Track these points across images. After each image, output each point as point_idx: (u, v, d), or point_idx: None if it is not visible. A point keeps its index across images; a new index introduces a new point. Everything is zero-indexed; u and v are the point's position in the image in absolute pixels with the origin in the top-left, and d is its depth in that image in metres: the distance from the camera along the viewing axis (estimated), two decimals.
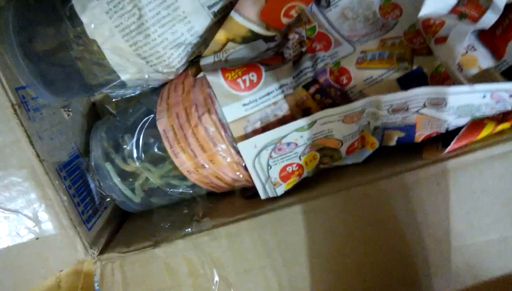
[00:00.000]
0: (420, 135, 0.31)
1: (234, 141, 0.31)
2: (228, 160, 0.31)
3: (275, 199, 0.33)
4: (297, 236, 0.30)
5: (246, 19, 0.29)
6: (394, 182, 0.29)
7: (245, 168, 0.32)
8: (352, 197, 0.30)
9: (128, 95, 0.35)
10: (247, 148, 0.31)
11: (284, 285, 0.31)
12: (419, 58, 0.32)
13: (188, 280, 0.32)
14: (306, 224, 0.30)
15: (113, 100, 0.35)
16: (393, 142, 0.32)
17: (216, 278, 0.31)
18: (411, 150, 0.32)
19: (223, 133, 0.31)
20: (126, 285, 0.32)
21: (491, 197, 0.28)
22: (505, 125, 0.30)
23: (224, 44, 0.31)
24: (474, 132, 0.30)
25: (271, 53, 0.34)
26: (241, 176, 0.32)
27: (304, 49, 0.34)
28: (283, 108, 0.31)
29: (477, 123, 0.30)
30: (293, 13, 0.31)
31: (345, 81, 0.32)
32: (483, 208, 0.28)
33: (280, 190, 0.33)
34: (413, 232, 0.29)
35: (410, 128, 0.30)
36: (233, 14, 0.29)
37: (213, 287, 0.31)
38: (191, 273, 0.32)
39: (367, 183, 0.30)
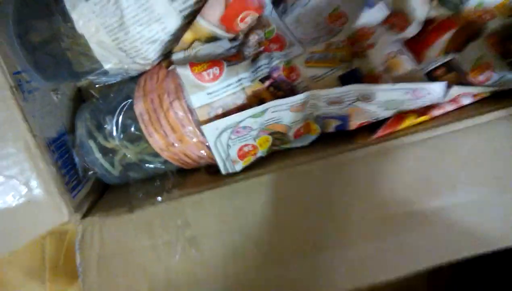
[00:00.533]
0: (354, 123, 0.37)
1: (199, 124, 0.37)
2: (194, 139, 0.38)
3: (234, 174, 0.39)
4: (250, 205, 0.37)
5: (209, 23, 0.36)
6: (330, 161, 0.36)
7: (209, 147, 0.38)
8: (296, 173, 0.36)
9: (110, 82, 0.41)
10: (210, 130, 0.37)
11: (237, 246, 0.37)
12: (358, 60, 0.38)
13: (157, 241, 0.38)
14: (258, 195, 0.37)
15: (97, 86, 0.41)
16: (332, 129, 0.38)
17: (181, 241, 0.38)
18: (348, 136, 0.38)
19: (190, 117, 0.37)
20: (103, 244, 0.39)
21: (409, 175, 0.35)
22: (425, 118, 0.37)
23: (191, 43, 0.37)
24: (398, 123, 0.37)
25: (233, 51, 0.40)
26: (205, 154, 0.39)
27: (262, 48, 0.40)
28: (241, 98, 0.38)
29: (401, 115, 0.37)
30: (248, 19, 0.37)
31: (294, 77, 0.39)
32: (402, 184, 0.35)
33: (239, 167, 0.39)
34: (343, 202, 0.36)
35: (345, 118, 0.37)
36: (198, 18, 0.35)
37: (178, 248, 0.38)
38: (160, 236, 0.38)
39: (309, 162, 0.36)
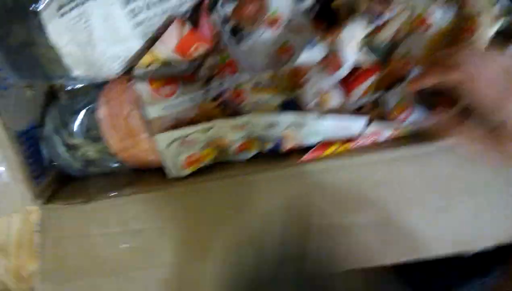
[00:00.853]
0: (286, 146, 0.44)
1: (153, 133, 0.43)
2: (147, 146, 0.44)
3: (182, 178, 0.45)
4: (186, 208, 0.43)
5: (165, 51, 0.41)
6: (260, 176, 0.42)
7: (159, 153, 0.44)
8: (231, 183, 0.43)
9: (79, 86, 0.46)
10: (162, 139, 0.43)
11: (177, 242, 0.44)
12: (296, 91, 0.45)
13: (107, 230, 0.44)
14: (193, 200, 0.43)
15: (67, 88, 0.46)
16: (267, 150, 0.45)
17: (128, 232, 0.44)
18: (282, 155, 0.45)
19: (144, 126, 0.43)
20: (60, 229, 0.45)
21: (327, 191, 0.42)
22: (346, 147, 0.43)
23: (150, 64, 0.43)
24: (323, 149, 0.43)
25: (190, 71, 0.46)
26: (155, 159, 0.45)
27: (215, 71, 0.46)
28: (192, 113, 0.44)
29: (326, 143, 0.44)
30: (200, 50, 0.43)
31: (241, 100, 0.45)
32: (324, 201, 0.42)
33: (185, 173, 0.46)
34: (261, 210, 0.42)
35: (279, 141, 0.43)
36: (156, 45, 0.41)
37: (122, 238, 0.44)
38: (110, 226, 0.44)
39: (242, 175, 0.43)
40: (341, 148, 0.43)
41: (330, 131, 0.42)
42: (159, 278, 0.43)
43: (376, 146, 0.43)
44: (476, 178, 0.40)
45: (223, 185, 0.43)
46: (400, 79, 0.44)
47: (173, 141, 0.42)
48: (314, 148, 0.42)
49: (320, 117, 0.40)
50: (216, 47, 0.45)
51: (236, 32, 0.48)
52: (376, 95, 0.43)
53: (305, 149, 0.42)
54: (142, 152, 0.44)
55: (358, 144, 0.42)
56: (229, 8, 0.46)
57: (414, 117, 0.43)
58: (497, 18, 0.41)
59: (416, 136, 0.41)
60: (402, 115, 0.43)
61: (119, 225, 0.44)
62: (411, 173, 0.40)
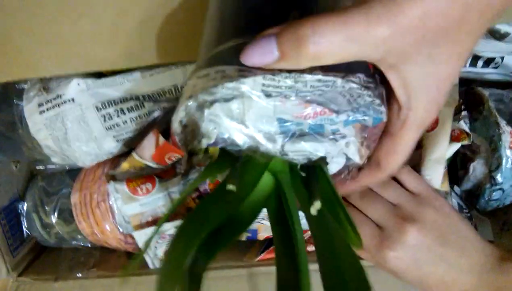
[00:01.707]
0: (262, 236, 0.46)
1: (118, 224, 0.46)
2: (112, 235, 0.47)
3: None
4: None
5: (142, 159, 0.45)
6: (220, 273, 0.45)
7: (126, 242, 0.48)
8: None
9: (58, 169, 0.50)
10: (140, 235, 0.46)
11: None
12: None
13: None
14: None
15: (47, 170, 0.50)
16: (244, 238, 0.48)
17: None
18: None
19: (111, 218, 0.47)
20: None
21: None
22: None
23: (128, 170, 0.46)
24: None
25: (168, 166, 0.49)
26: (121, 247, 0.48)
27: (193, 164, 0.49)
28: (169, 208, 0.47)
29: None
30: (174, 158, 0.46)
31: None
32: None
33: None
34: None
35: (254, 231, 0.46)
36: (134, 154, 0.44)
37: None
38: None
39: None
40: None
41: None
42: None
43: None
44: None
45: None
46: None
47: (151, 237, 0.46)
48: (272, 247, 0.45)
49: None
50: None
51: None
52: None
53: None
54: (108, 239, 0.47)
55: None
56: None
57: None
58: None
59: None
60: None
61: None
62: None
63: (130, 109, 0.43)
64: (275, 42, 0.21)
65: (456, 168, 0.47)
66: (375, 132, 0.28)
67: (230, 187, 0.26)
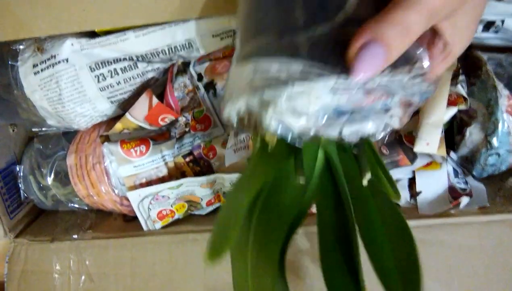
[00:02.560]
0: None
1: (114, 186, 0.47)
2: (107, 197, 0.48)
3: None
4: (148, 256, 0.47)
5: (136, 119, 0.45)
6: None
7: (121, 204, 0.48)
8: (196, 238, 0.46)
9: (54, 131, 0.51)
10: (134, 195, 0.47)
11: (127, 289, 0.48)
12: None
13: (66, 270, 0.49)
14: (150, 252, 0.47)
15: (43, 133, 0.51)
16: None
17: (84, 276, 0.48)
18: None
19: (106, 180, 0.47)
20: (26, 262, 0.49)
21: None
22: None
23: (122, 131, 0.46)
24: None
25: (163, 129, 0.49)
26: (117, 209, 0.49)
27: (187, 129, 0.50)
28: (163, 171, 0.48)
29: None
30: (167, 120, 0.46)
31: (211, 156, 0.48)
32: None
33: (158, 225, 0.50)
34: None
35: None
36: (127, 115, 0.44)
37: (81, 280, 0.48)
38: (69, 266, 0.49)
39: (193, 232, 0.46)
40: None
41: None
42: None
43: None
44: None
45: (175, 240, 0.46)
46: None
47: (144, 197, 0.46)
48: None
49: None
50: (193, 101, 0.48)
51: (210, 87, 0.51)
52: None
53: None
54: (103, 201, 0.48)
55: None
56: (201, 69, 0.49)
57: None
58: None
59: None
60: None
61: (78, 266, 0.48)
62: None
63: (124, 70, 0.43)
64: (382, 48, 0.21)
65: (453, 133, 0.47)
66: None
67: (301, 180, 0.28)
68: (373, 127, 0.27)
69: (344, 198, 0.27)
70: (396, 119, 0.28)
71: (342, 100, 0.25)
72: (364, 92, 0.25)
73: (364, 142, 0.30)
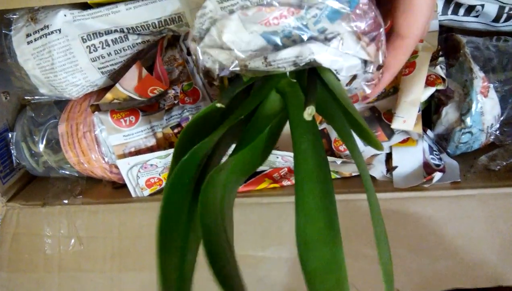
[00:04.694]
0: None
1: (104, 154, 0.50)
2: (97, 165, 0.51)
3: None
4: (135, 220, 0.50)
5: (125, 90, 0.47)
6: None
7: (111, 172, 0.51)
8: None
9: (46, 100, 0.53)
10: (123, 163, 0.50)
11: (115, 251, 0.51)
12: None
13: (57, 233, 0.52)
14: (137, 217, 0.50)
15: (35, 101, 0.53)
16: None
17: (73, 239, 0.51)
18: None
19: (96, 148, 0.50)
20: (18, 225, 0.53)
21: (250, 227, 0.48)
22: (276, 185, 0.50)
23: (112, 100, 0.49)
24: (256, 184, 0.50)
25: (152, 101, 0.52)
26: (106, 176, 0.52)
27: (176, 101, 0.52)
28: (151, 141, 0.50)
29: (260, 178, 0.50)
30: (156, 91, 0.49)
31: None
32: (244, 233, 0.48)
33: (146, 193, 0.53)
34: None
35: None
36: (117, 85, 0.47)
37: (71, 243, 0.51)
38: (60, 230, 0.52)
39: None
40: (271, 185, 0.49)
41: (275, 163, 0.47)
42: (96, 281, 0.51)
43: None
44: None
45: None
46: None
47: (133, 166, 0.49)
48: (248, 181, 0.49)
49: None
50: (179, 78, 0.51)
51: None
52: (322, 125, 0.49)
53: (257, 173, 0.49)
54: (93, 168, 0.50)
55: (286, 184, 0.48)
56: None
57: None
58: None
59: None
60: (342, 147, 0.49)
61: (68, 229, 0.51)
62: None
63: (115, 42, 0.46)
64: None
65: (430, 112, 0.50)
66: (363, 21, 0.29)
67: (218, 104, 0.28)
68: (306, 53, 0.28)
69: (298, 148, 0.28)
70: (353, 44, 0.29)
71: (245, 20, 0.27)
72: (260, 6, 0.27)
73: (313, 72, 0.30)
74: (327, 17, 0.28)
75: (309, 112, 0.25)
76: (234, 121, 0.28)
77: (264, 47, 0.29)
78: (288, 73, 0.30)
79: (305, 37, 0.28)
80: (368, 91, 0.33)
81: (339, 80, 0.31)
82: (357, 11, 0.28)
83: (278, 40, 0.29)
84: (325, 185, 0.26)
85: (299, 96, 0.30)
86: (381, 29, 0.30)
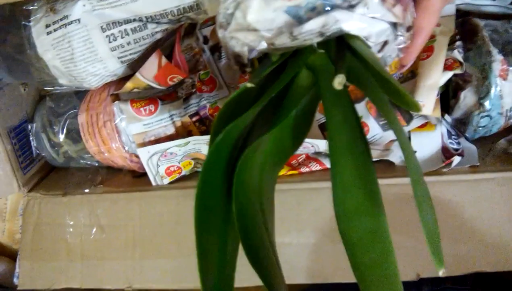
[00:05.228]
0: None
1: (124, 143, 0.50)
2: (118, 154, 0.51)
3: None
4: (156, 208, 0.51)
5: (145, 79, 0.48)
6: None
7: (131, 161, 0.52)
8: (186, 194, 0.50)
9: (65, 90, 0.54)
10: (144, 152, 0.50)
11: (136, 239, 0.52)
12: None
13: (78, 222, 0.52)
14: (159, 205, 0.51)
15: (55, 92, 0.54)
16: None
17: (95, 228, 0.52)
18: None
19: (117, 137, 0.50)
20: (40, 215, 0.53)
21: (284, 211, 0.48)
22: (294, 172, 0.50)
23: (132, 90, 0.49)
24: None
25: (170, 90, 0.52)
26: (126, 165, 0.53)
27: (194, 90, 0.53)
28: (171, 130, 0.51)
29: None
30: (175, 80, 0.49)
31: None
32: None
33: (166, 181, 0.53)
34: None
35: None
36: (137, 74, 0.47)
37: (92, 231, 0.52)
38: (81, 218, 0.52)
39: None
40: (289, 172, 0.49)
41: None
42: (117, 269, 0.51)
43: (320, 175, 0.49)
44: None
45: (181, 194, 0.50)
46: (359, 98, 0.49)
47: (153, 154, 0.50)
48: None
49: None
50: (195, 66, 0.51)
51: (215, 50, 0.54)
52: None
53: None
54: (114, 157, 0.51)
55: (304, 170, 0.48)
56: (207, 31, 0.52)
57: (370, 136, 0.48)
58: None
59: None
60: None
61: (90, 218, 0.52)
62: None
63: (134, 30, 0.46)
64: None
65: (448, 96, 0.50)
66: None
67: (248, 84, 0.28)
68: (332, 22, 0.28)
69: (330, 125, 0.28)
70: (379, 7, 0.28)
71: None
72: None
73: (344, 41, 0.29)
74: None
75: (339, 81, 0.24)
76: (266, 101, 0.28)
77: (289, 23, 0.29)
78: (315, 45, 0.30)
79: (328, 7, 0.28)
80: (401, 55, 0.32)
81: (369, 47, 0.30)
82: None
83: (302, 14, 0.28)
84: (362, 156, 0.26)
85: (330, 69, 0.29)
86: None
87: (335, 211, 0.24)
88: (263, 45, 0.29)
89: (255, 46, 0.30)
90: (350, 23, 0.28)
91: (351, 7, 0.28)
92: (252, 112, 0.27)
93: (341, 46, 0.29)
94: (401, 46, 0.32)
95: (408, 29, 0.31)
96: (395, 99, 0.26)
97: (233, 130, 0.26)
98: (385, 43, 0.31)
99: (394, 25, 0.30)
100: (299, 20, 0.28)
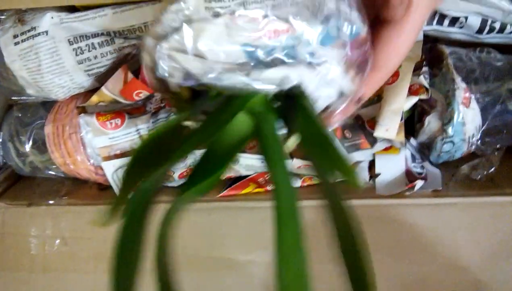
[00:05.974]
0: (223, 175, 0.50)
1: (89, 156, 0.50)
2: (84, 166, 0.51)
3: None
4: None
5: (111, 93, 0.47)
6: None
7: (96, 173, 0.51)
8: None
9: (33, 101, 0.53)
10: (109, 166, 0.50)
11: (99, 252, 0.51)
12: None
13: (42, 233, 0.52)
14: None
15: (22, 101, 0.53)
16: None
17: (58, 240, 0.51)
18: None
19: (82, 149, 0.50)
20: (3, 225, 0.53)
21: (237, 231, 0.48)
22: (260, 190, 0.50)
23: (98, 103, 0.49)
24: (241, 188, 0.50)
25: (139, 103, 0.52)
26: (92, 178, 0.52)
27: (163, 104, 0.53)
28: (138, 144, 0.50)
29: (245, 183, 0.50)
30: (142, 95, 0.49)
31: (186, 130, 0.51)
32: (231, 236, 0.49)
33: (131, 195, 0.53)
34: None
35: None
36: (103, 88, 0.47)
37: (56, 243, 0.52)
38: (45, 230, 0.52)
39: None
40: (255, 190, 0.49)
41: (261, 167, 0.48)
42: (79, 282, 0.51)
43: None
44: None
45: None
46: None
47: (119, 168, 0.49)
48: (233, 185, 0.49)
49: (251, 156, 0.47)
50: None
51: None
52: None
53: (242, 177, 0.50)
54: (79, 169, 0.51)
55: (271, 188, 0.48)
56: None
57: None
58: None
59: None
60: None
61: (53, 230, 0.51)
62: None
63: (101, 45, 0.46)
64: None
65: (414, 121, 0.51)
66: (357, 53, 0.26)
67: (187, 122, 0.26)
68: (295, 77, 0.25)
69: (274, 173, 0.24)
70: (340, 73, 0.26)
71: (232, 28, 0.23)
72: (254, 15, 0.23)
73: (295, 97, 0.26)
74: (320, 41, 0.25)
75: (293, 141, 0.23)
76: (194, 148, 0.25)
77: (245, 62, 0.25)
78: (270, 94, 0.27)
79: (292, 59, 0.25)
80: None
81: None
82: (355, 42, 0.26)
83: (262, 56, 0.25)
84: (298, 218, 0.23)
85: (271, 118, 0.26)
86: (368, 65, 0.28)
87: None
88: (209, 78, 0.25)
89: (197, 75, 0.26)
90: (311, 81, 0.26)
91: (313, 65, 0.25)
92: (174, 161, 0.24)
93: (291, 102, 0.26)
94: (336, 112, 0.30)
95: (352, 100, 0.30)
96: (338, 168, 0.24)
97: (149, 187, 0.23)
98: (326, 108, 0.29)
99: (341, 93, 0.28)
100: (257, 63, 0.25)
